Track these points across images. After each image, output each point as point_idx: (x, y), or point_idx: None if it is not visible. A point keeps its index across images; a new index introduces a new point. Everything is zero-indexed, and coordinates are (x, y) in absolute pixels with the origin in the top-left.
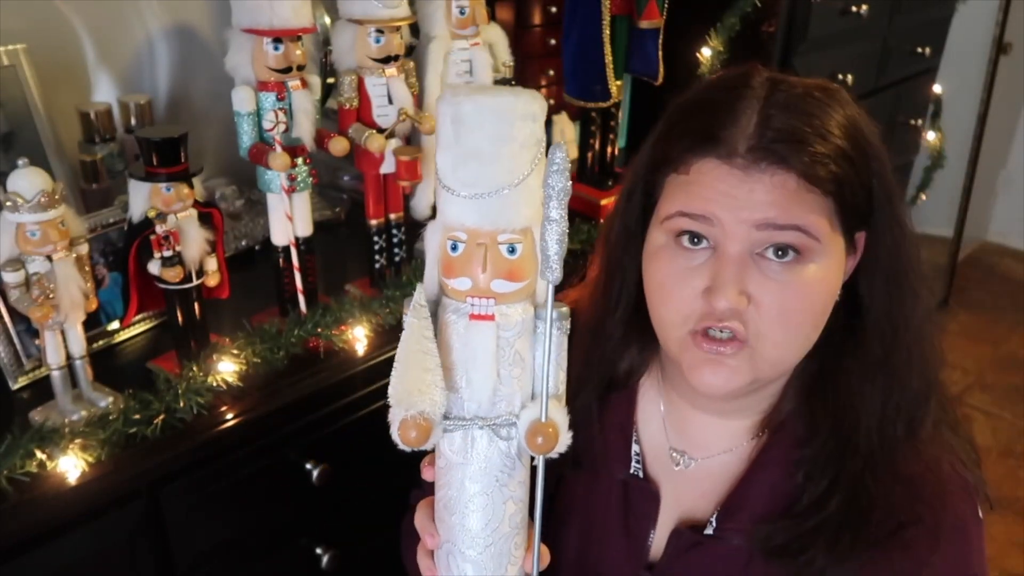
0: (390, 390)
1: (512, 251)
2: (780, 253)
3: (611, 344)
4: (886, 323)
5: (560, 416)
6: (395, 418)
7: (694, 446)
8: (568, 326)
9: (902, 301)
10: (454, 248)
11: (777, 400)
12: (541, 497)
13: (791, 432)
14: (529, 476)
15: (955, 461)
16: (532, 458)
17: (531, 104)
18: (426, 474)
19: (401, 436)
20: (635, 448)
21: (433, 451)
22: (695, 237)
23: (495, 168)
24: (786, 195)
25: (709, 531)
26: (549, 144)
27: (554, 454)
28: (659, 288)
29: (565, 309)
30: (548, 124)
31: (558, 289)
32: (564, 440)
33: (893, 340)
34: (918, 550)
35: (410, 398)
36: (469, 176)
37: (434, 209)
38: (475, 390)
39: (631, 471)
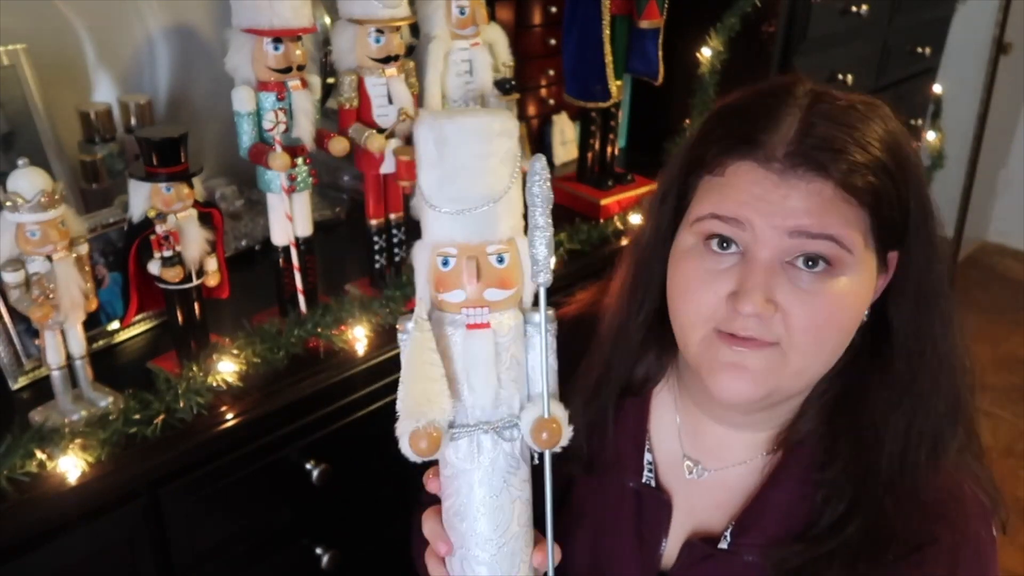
0: (398, 404)
1: (501, 261)
2: (811, 263)
3: (631, 348)
4: (913, 347)
5: (560, 411)
6: (404, 431)
7: (708, 456)
8: (556, 328)
9: (930, 325)
10: (445, 263)
11: (795, 417)
12: (550, 491)
13: (810, 452)
14: (531, 475)
15: (976, 487)
16: (533, 456)
17: (507, 122)
18: (431, 486)
19: (412, 447)
20: (647, 457)
21: (435, 463)
22: (724, 241)
23: (479, 183)
24: (822, 203)
25: (723, 545)
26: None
27: (558, 448)
28: (683, 290)
29: (551, 312)
30: (549, 125)
31: (557, 291)
32: (567, 434)
33: (920, 364)
34: (934, 571)
35: (419, 408)
36: (456, 192)
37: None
38: (478, 396)
39: (643, 480)
